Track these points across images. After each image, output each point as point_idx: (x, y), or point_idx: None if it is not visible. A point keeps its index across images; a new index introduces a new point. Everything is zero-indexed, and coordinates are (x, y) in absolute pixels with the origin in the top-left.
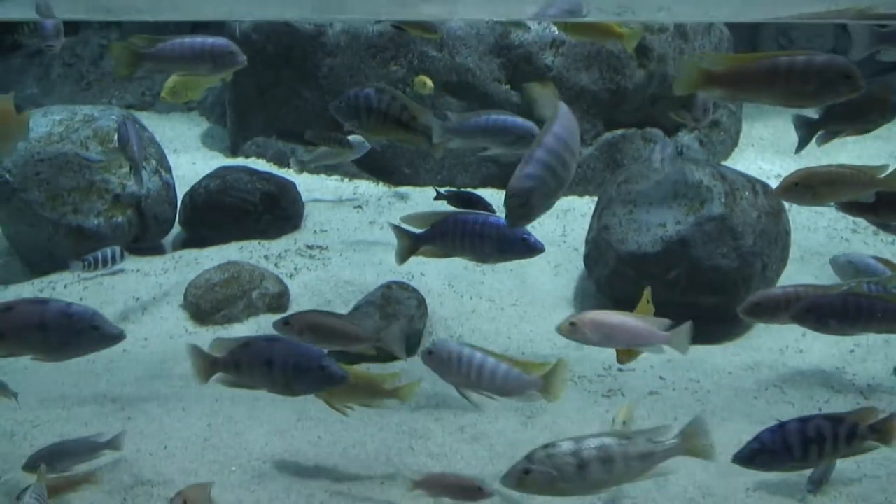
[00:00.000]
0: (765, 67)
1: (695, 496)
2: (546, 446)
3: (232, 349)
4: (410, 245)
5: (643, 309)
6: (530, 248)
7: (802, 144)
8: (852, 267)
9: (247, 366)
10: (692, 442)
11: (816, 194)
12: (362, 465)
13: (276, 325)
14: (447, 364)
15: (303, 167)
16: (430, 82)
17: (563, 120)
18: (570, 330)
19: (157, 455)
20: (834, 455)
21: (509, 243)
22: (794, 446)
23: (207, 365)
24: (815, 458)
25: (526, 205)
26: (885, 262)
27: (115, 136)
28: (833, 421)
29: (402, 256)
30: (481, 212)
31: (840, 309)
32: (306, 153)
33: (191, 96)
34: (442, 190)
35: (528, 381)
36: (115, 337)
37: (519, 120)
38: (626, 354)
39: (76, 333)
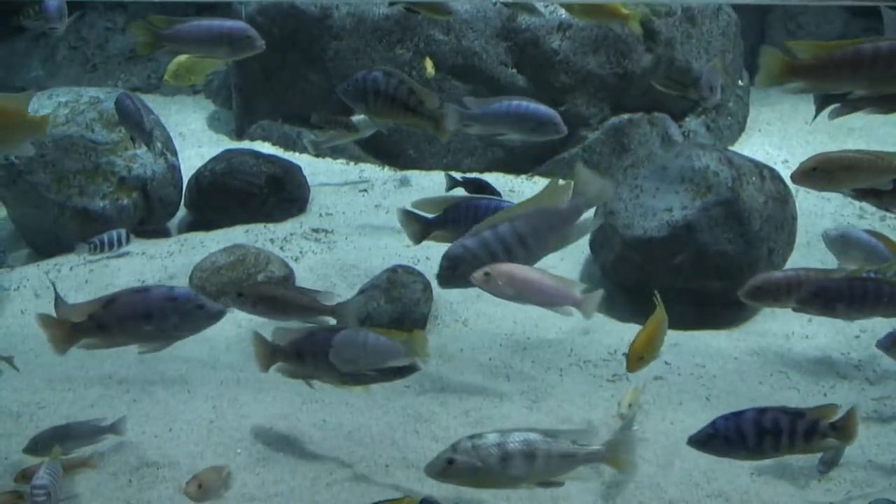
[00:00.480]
0: (849, 55)
1: (699, 480)
2: (472, 437)
3: (294, 339)
4: (421, 230)
5: (658, 320)
6: None
7: (818, 112)
8: (843, 240)
9: (310, 356)
10: (615, 454)
11: (834, 180)
12: (367, 448)
13: (230, 298)
14: (347, 351)
15: (318, 148)
16: (429, 66)
17: (544, 215)
18: (484, 280)
19: (162, 437)
20: (790, 450)
21: None
22: (748, 436)
23: (269, 353)
24: (770, 451)
25: (453, 269)
26: (880, 236)
27: (116, 110)
28: (792, 415)
29: (416, 239)
30: (493, 197)
31: (847, 293)
32: (320, 133)
33: (193, 80)
34: (458, 176)
35: (396, 348)
36: (219, 313)
37: (541, 107)
38: (636, 363)
39: (182, 316)
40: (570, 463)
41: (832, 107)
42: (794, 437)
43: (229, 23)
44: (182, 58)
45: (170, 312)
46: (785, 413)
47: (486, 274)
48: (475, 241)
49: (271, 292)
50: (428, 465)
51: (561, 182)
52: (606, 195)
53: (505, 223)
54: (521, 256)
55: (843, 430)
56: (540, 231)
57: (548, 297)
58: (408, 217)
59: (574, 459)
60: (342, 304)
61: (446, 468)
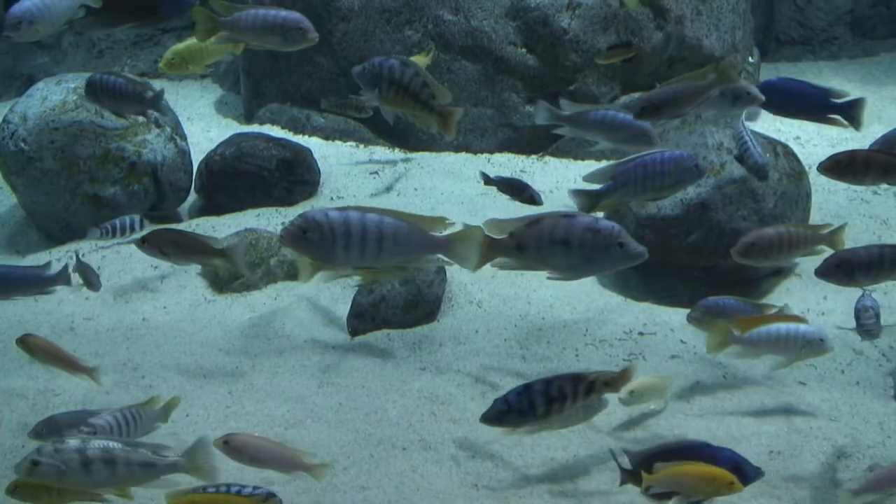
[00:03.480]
0: None
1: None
2: (55, 442)
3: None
4: (591, 203)
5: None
6: (701, 172)
7: None
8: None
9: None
10: (194, 461)
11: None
12: (384, 431)
13: (136, 243)
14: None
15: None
16: (424, 57)
17: (412, 230)
18: None
19: (179, 422)
20: (573, 406)
21: (686, 172)
22: (537, 405)
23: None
24: (556, 414)
25: (303, 231)
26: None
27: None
28: (574, 380)
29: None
30: (655, 150)
31: (865, 261)
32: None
33: (192, 69)
34: (492, 175)
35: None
36: (640, 255)
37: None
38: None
39: (601, 249)
40: (151, 472)
41: None
42: (577, 396)
43: (284, 13)
44: (179, 46)
45: (589, 243)
46: (569, 380)
47: None
48: (339, 214)
49: (174, 237)
50: (16, 465)
51: (448, 221)
52: (466, 265)
53: (375, 214)
54: (371, 251)
55: (613, 383)
56: (400, 240)
57: None
58: (577, 195)
59: (155, 469)
60: (229, 246)
61: (32, 469)
